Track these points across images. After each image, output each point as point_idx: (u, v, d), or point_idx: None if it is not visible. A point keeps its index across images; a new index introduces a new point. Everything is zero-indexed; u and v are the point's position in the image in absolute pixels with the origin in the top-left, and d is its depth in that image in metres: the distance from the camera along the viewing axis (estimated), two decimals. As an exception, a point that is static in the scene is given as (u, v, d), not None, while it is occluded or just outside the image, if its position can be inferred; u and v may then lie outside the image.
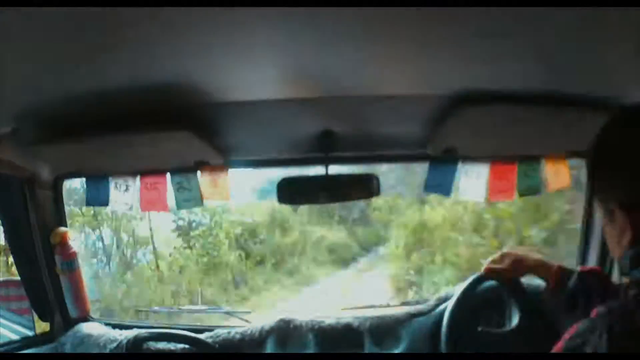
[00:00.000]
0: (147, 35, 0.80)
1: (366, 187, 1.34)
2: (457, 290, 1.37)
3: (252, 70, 0.97)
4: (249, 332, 1.48)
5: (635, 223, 0.69)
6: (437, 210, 5.07)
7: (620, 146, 0.71)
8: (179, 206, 1.45)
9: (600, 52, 0.91)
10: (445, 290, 1.65)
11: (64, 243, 1.47)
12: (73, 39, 0.79)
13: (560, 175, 1.40)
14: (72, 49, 0.83)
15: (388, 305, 1.69)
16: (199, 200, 1.43)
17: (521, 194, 1.44)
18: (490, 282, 1.36)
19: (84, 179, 1.48)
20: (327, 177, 1.34)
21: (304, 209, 5.64)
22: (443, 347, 1.31)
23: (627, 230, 0.69)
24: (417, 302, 1.57)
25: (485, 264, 1.30)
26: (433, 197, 4.82)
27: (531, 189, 1.43)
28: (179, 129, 1.16)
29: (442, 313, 1.39)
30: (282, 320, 1.48)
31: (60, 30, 0.76)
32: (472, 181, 1.42)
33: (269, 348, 1.45)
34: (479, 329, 1.29)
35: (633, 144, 0.70)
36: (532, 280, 1.29)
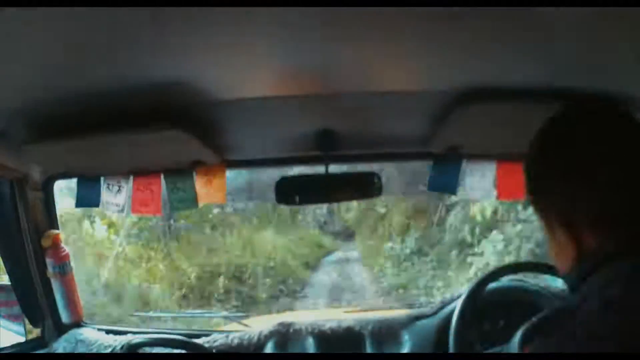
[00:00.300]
0: (140, 33, 0.79)
1: (368, 186, 1.33)
2: (464, 291, 1.36)
3: (249, 67, 0.96)
4: (247, 336, 1.47)
5: (577, 239, 0.63)
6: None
7: (559, 152, 0.64)
8: (173, 208, 1.43)
9: (610, 49, 0.90)
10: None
11: (55, 246, 1.46)
12: (63, 37, 0.78)
13: None
14: (63, 47, 0.82)
15: (391, 308, 1.69)
16: (194, 202, 1.41)
17: None
18: (498, 283, 1.35)
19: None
20: (327, 176, 1.33)
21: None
22: (451, 351, 1.30)
23: (568, 247, 0.65)
24: (421, 305, 1.56)
25: None
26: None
27: None
28: (173, 128, 1.15)
29: (447, 316, 1.39)
30: (281, 324, 1.47)
31: (50, 29, 0.75)
32: (478, 180, 1.41)
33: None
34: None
35: (574, 149, 0.63)
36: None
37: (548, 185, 0.66)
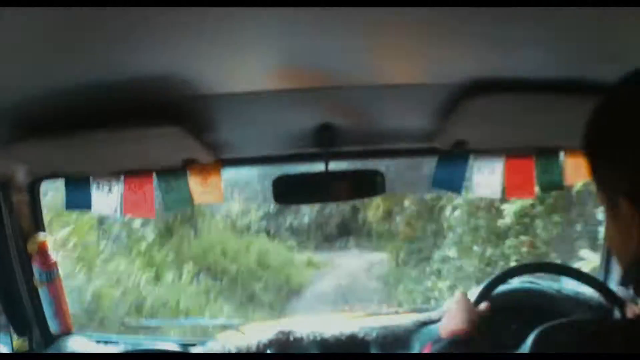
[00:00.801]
0: (129, 26, 0.79)
1: (370, 184, 1.33)
2: (472, 295, 1.36)
3: (245, 59, 0.95)
4: (245, 345, 1.47)
5: None
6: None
7: (624, 129, 0.67)
8: (167, 208, 1.42)
9: (615, 43, 0.91)
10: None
11: (42, 252, 1.46)
12: (48, 35, 0.78)
13: (580, 167, 1.39)
14: (49, 44, 0.82)
15: (396, 313, 1.68)
16: (188, 201, 1.41)
17: (543, 190, 1.43)
18: (507, 286, 1.35)
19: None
20: (327, 174, 1.33)
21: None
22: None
23: (634, 224, 0.66)
24: (428, 309, 1.56)
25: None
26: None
27: (553, 184, 1.42)
28: (165, 125, 1.14)
29: None
30: (281, 332, 1.47)
31: (35, 27, 0.75)
32: (486, 177, 1.40)
33: None
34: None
35: (637, 126, 0.66)
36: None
37: (616, 159, 0.68)
